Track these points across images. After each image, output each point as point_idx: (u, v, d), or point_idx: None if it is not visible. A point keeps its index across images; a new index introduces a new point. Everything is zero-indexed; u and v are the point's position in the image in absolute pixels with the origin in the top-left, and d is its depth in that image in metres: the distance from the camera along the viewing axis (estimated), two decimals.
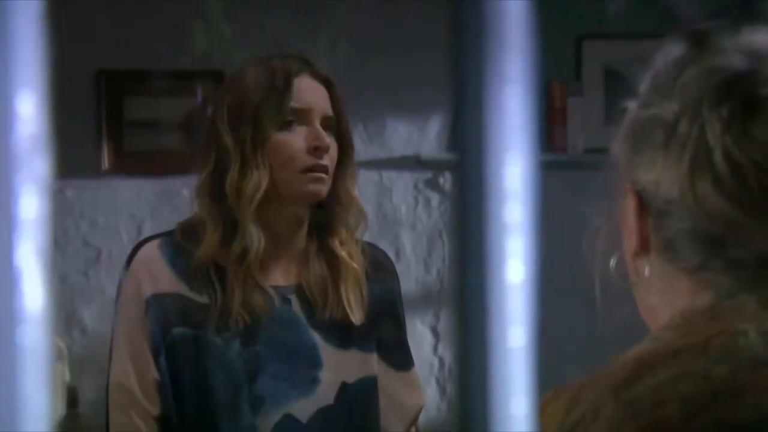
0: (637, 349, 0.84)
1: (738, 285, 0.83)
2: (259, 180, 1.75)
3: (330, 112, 1.80)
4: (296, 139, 1.77)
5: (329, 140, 1.79)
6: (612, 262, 0.92)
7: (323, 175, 1.77)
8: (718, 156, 0.82)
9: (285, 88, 1.77)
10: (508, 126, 0.34)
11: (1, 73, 0.30)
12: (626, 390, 0.77)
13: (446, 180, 3.38)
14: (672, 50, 0.89)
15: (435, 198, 3.39)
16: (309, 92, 1.79)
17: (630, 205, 0.89)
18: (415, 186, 3.38)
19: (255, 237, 1.76)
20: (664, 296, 0.88)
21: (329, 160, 1.78)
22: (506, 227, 0.34)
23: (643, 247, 0.89)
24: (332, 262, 1.84)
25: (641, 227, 0.88)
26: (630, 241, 0.90)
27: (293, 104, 1.77)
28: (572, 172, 3.02)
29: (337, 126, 1.81)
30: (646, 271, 0.89)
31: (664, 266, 0.88)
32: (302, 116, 1.78)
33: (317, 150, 1.76)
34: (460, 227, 0.34)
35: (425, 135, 3.38)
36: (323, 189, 1.78)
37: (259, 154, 1.76)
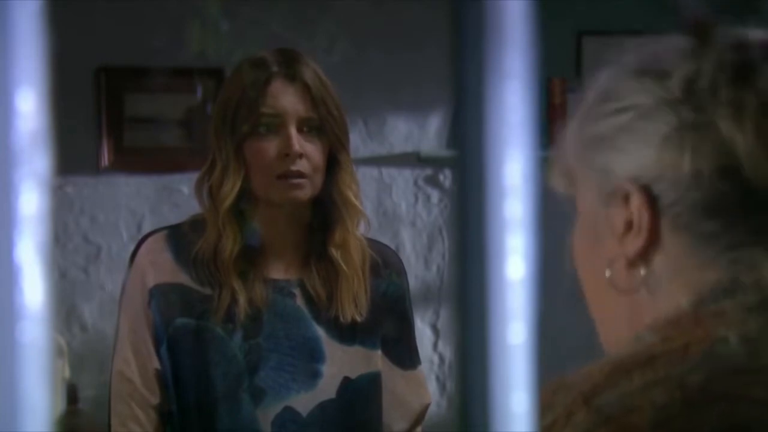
0: (618, 351, 0.83)
1: (751, 263, 0.82)
2: (232, 184, 1.77)
3: (308, 113, 1.78)
4: (270, 145, 1.77)
5: (307, 144, 1.78)
6: (607, 273, 0.90)
7: (299, 181, 1.77)
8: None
9: (256, 95, 1.77)
10: (508, 123, 0.34)
11: (1, 69, 0.30)
12: (599, 396, 0.76)
13: (446, 177, 3.38)
14: (611, 70, 0.89)
15: (435, 195, 3.39)
16: (282, 97, 1.78)
17: (634, 204, 0.86)
18: (415, 183, 3.38)
19: (230, 237, 1.79)
20: (675, 277, 0.85)
21: (308, 164, 1.78)
22: (506, 224, 0.34)
23: (653, 243, 0.86)
24: (330, 265, 1.85)
25: (653, 221, 0.86)
26: (631, 244, 0.87)
27: (265, 110, 1.77)
28: None
29: (322, 126, 1.80)
30: (642, 272, 0.87)
31: (677, 248, 0.85)
32: (275, 121, 1.78)
33: (288, 156, 1.76)
34: (460, 224, 0.34)
35: (425, 132, 3.38)
36: (301, 193, 1.78)
37: (235, 159, 1.78)
